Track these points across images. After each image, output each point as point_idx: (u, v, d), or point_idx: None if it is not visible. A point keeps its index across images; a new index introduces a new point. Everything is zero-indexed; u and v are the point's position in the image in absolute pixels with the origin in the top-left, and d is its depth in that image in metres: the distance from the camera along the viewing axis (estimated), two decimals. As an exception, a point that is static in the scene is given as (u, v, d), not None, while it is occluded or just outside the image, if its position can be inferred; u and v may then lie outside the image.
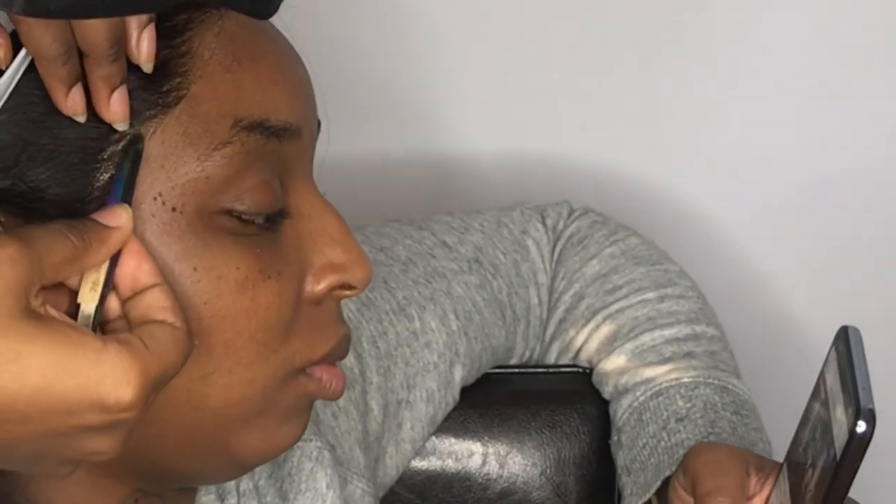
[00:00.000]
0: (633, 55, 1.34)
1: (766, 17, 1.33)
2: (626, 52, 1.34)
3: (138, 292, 0.72)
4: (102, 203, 0.74)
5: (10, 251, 0.66)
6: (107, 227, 0.71)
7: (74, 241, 0.70)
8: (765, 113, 1.35)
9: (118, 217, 0.72)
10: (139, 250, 0.73)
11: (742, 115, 1.36)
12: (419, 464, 1.10)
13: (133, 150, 0.74)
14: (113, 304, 0.72)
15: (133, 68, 0.74)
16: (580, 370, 1.12)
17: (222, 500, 0.89)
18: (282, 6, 0.79)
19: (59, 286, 0.71)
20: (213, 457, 0.80)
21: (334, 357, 0.82)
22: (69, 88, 0.72)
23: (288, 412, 0.81)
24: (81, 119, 0.73)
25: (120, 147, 0.74)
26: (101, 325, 0.72)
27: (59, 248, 0.69)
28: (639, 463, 1.02)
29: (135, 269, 0.72)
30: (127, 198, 0.73)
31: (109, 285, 0.72)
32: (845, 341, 0.79)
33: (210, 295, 0.76)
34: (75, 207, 0.74)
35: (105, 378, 0.67)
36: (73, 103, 0.72)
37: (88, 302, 0.71)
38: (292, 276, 0.79)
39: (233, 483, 0.89)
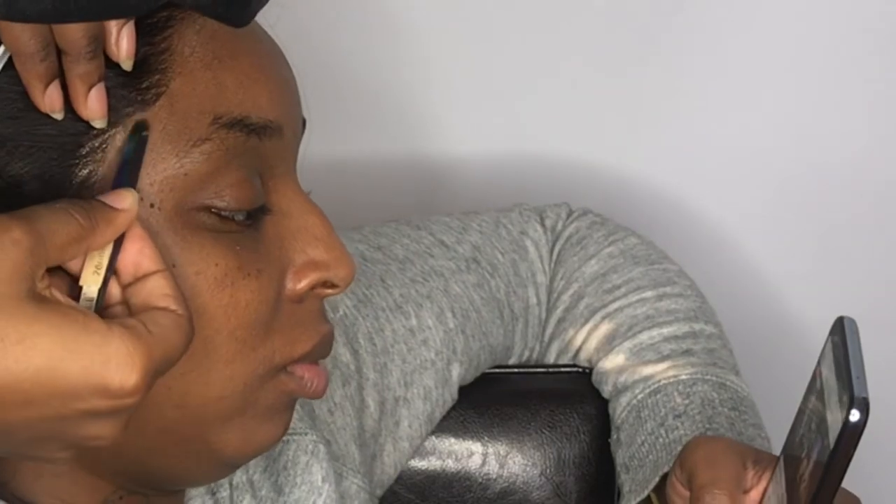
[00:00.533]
0: (632, 55, 1.34)
1: (766, 16, 1.33)
2: (624, 52, 1.34)
3: (140, 278, 0.72)
4: (81, 198, 0.73)
5: (14, 233, 0.66)
6: (113, 209, 0.71)
7: (80, 221, 0.70)
8: (764, 113, 1.36)
9: (124, 200, 0.72)
10: (142, 236, 0.73)
11: (741, 114, 1.36)
12: (419, 464, 1.10)
13: (138, 136, 0.74)
14: (113, 289, 0.72)
15: (112, 65, 0.74)
16: (580, 370, 1.12)
17: (213, 494, 0.89)
18: (269, 7, 0.79)
19: (59, 271, 0.71)
20: (194, 455, 0.80)
21: (316, 355, 0.82)
22: (46, 85, 0.72)
23: (269, 410, 0.81)
24: (59, 116, 0.73)
25: (125, 133, 0.75)
26: (99, 310, 0.72)
27: (64, 229, 0.69)
28: (637, 460, 1.02)
29: (137, 255, 0.72)
30: (132, 183, 0.73)
31: (112, 269, 0.72)
32: (841, 331, 0.78)
33: (188, 292, 0.75)
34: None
35: (110, 361, 0.67)
36: (50, 100, 0.72)
37: (91, 285, 0.71)
38: (272, 274, 0.79)
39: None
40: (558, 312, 1.12)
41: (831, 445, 0.74)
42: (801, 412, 0.82)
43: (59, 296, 0.69)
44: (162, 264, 0.73)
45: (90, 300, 0.70)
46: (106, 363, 0.67)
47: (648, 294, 1.10)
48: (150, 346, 0.68)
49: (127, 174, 0.74)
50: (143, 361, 0.68)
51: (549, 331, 1.13)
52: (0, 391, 0.66)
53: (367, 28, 1.34)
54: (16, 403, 0.67)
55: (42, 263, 0.68)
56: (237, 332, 0.77)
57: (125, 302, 0.72)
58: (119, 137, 0.75)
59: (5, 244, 0.66)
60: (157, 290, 0.72)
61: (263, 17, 0.81)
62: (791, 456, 0.82)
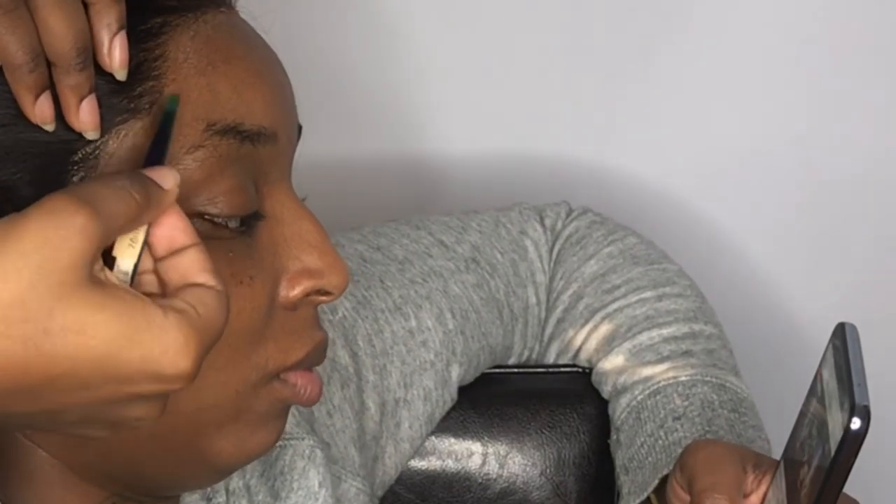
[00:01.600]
0: (632, 54, 1.34)
1: (767, 17, 1.33)
2: (624, 51, 1.34)
3: (174, 252, 0.72)
4: None
5: (79, 219, 0.66)
6: (161, 188, 0.71)
7: (138, 200, 0.69)
8: (764, 113, 1.35)
9: (168, 179, 0.71)
10: (176, 210, 0.72)
11: (741, 115, 1.36)
12: (419, 464, 1.10)
13: (170, 113, 0.74)
14: (145, 261, 0.72)
15: (104, 72, 0.73)
16: (580, 370, 1.12)
17: (209, 500, 0.89)
18: (264, 11, 0.79)
19: None
20: (186, 462, 0.80)
21: (309, 363, 0.82)
22: (36, 97, 0.72)
23: (262, 417, 0.80)
24: (50, 127, 0.73)
25: (118, 140, 0.74)
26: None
27: (125, 210, 0.68)
28: (636, 462, 1.02)
29: (171, 229, 0.71)
30: (162, 160, 0.73)
31: (146, 243, 0.71)
32: (842, 337, 0.78)
33: None
34: None
35: (168, 351, 0.67)
36: (40, 112, 0.72)
37: (126, 258, 0.70)
38: (266, 282, 0.78)
39: (221, 482, 0.89)
40: (558, 312, 1.12)
41: (832, 452, 0.74)
42: (802, 415, 0.82)
43: (112, 277, 0.68)
44: (196, 238, 0.72)
45: (125, 273, 0.70)
46: (164, 352, 0.67)
47: (648, 294, 1.10)
48: (202, 332, 0.68)
49: (160, 152, 0.73)
50: (196, 349, 0.68)
51: (548, 331, 1.13)
52: (59, 377, 0.66)
53: (365, 28, 1.34)
54: (72, 387, 0.67)
55: (102, 247, 0.67)
56: (229, 339, 0.76)
57: (156, 272, 0.72)
58: (112, 144, 0.75)
59: (71, 232, 0.65)
60: (195, 265, 0.71)
61: (259, 22, 0.81)
62: (791, 460, 0.82)
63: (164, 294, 0.71)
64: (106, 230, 0.67)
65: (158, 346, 0.67)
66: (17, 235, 0.65)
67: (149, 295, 0.69)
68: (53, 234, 0.65)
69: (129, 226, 0.69)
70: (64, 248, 0.65)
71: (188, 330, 0.68)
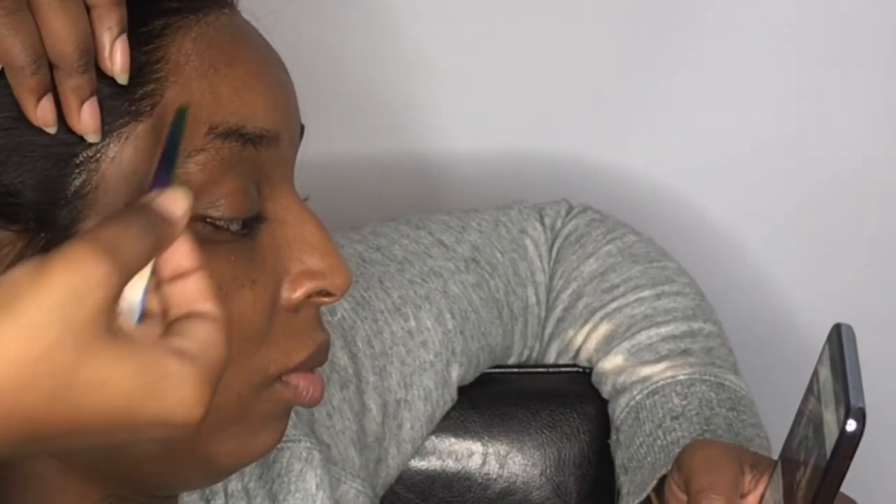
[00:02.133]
0: (633, 53, 1.34)
1: (768, 16, 1.33)
2: (626, 51, 1.34)
3: (177, 276, 0.70)
4: (76, 208, 0.73)
5: (104, 270, 0.64)
6: (173, 223, 0.68)
7: (154, 241, 0.68)
8: (765, 113, 1.35)
9: (180, 203, 0.69)
10: (183, 233, 0.70)
11: (742, 115, 1.35)
12: (419, 464, 1.10)
13: (178, 125, 0.73)
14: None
15: (106, 75, 0.73)
16: (580, 370, 1.12)
17: (208, 502, 0.89)
18: (265, 12, 0.79)
19: None
20: (188, 463, 0.79)
21: (312, 364, 0.81)
22: (38, 99, 0.71)
23: (264, 419, 0.80)
24: (52, 130, 0.72)
25: (119, 143, 0.74)
26: None
27: (144, 252, 0.67)
28: (636, 462, 1.02)
29: (177, 252, 0.70)
30: (172, 174, 0.72)
31: (153, 270, 0.70)
32: (838, 339, 0.78)
33: None
34: (49, 212, 0.73)
35: (183, 403, 0.66)
36: (42, 114, 0.72)
37: (134, 288, 0.68)
38: (268, 284, 0.78)
39: (220, 484, 0.89)
40: (557, 312, 1.12)
41: (828, 454, 0.74)
42: (800, 413, 0.82)
43: (125, 323, 0.67)
44: (199, 261, 0.70)
45: (133, 304, 0.68)
46: (180, 404, 0.66)
47: (647, 293, 1.10)
48: (213, 376, 0.68)
49: (170, 166, 0.72)
50: (209, 396, 0.67)
51: (548, 330, 1.13)
52: (79, 427, 0.65)
53: (367, 27, 1.34)
54: (80, 434, 0.66)
55: (119, 293, 0.66)
56: (231, 343, 0.76)
57: (156, 290, 0.70)
58: (113, 147, 0.74)
59: (95, 283, 0.64)
60: (197, 292, 0.70)
61: (261, 22, 0.81)
62: (789, 459, 0.82)
63: (165, 316, 0.70)
64: (126, 276, 0.66)
65: (175, 397, 0.66)
66: (45, 287, 0.63)
67: (151, 314, 0.69)
68: (79, 286, 0.63)
69: (145, 264, 0.68)
70: (88, 302, 0.64)
71: (204, 378, 0.67)
